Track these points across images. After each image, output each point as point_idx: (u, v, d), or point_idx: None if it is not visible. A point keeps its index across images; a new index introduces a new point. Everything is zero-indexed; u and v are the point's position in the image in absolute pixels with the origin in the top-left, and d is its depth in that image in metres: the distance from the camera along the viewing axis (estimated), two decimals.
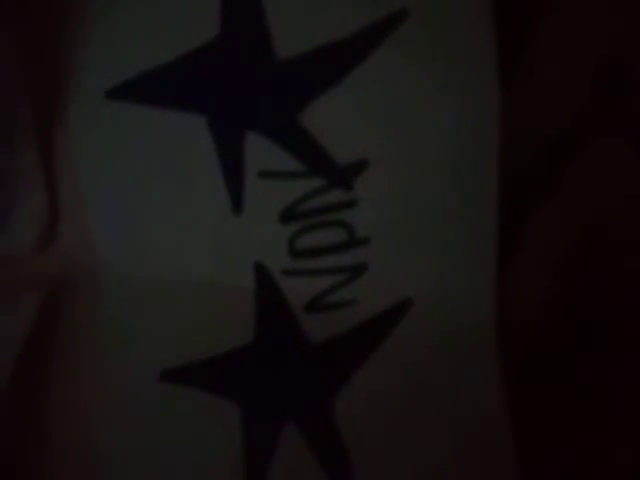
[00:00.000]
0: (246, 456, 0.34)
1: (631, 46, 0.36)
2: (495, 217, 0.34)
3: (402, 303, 0.34)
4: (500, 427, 0.34)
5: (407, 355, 0.34)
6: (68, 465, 0.34)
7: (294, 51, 0.34)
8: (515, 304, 0.35)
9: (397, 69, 0.34)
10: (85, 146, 0.34)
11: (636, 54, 0.36)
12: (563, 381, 0.35)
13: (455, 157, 0.34)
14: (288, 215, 0.34)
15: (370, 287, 0.34)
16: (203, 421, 0.34)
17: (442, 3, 0.34)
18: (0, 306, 0.34)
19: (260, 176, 0.34)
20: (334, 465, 0.34)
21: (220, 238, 0.34)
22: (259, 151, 0.34)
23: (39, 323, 0.34)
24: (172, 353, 0.34)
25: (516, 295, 0.35)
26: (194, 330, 0.34)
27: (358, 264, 0.34)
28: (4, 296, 0.34)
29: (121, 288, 0.34)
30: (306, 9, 0.34)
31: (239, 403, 0.34)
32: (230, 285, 0.34)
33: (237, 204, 0.34)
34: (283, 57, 0.34)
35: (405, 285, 0.34)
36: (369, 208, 0.34)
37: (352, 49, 0.34)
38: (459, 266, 0.35)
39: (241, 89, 0.34)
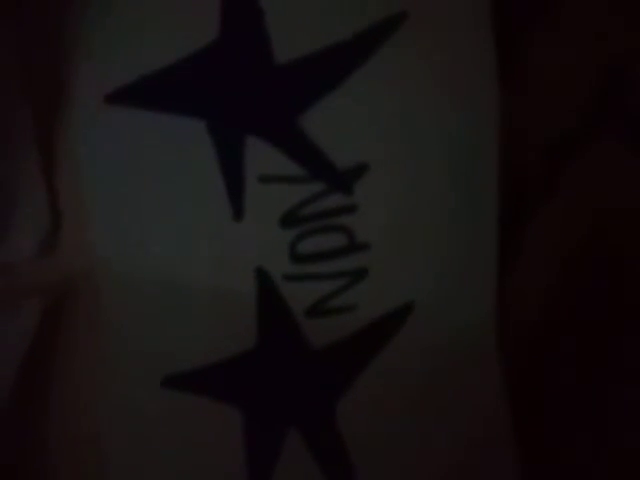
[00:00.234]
0: (249, 462, 0.34)
1: (631, 46, 0.36)
2: (495, 217, 0.34)
3: (403, 307, 0.34)
4: (500, 427, 0.34)
5: (408, 359, 0.34)
6: (68, 465, 0.34)
7: (293, 55, 0.34)
8: (515, 304, 0.35)
9: (397, 71, 0.34)
10: (86, 150, 0.34)
11: (636, 54, 0.36)
12: (563, 381, 0.35)
13: (455, 157, 0.34)
14: (289, 219, 0.34)
15: (371, 291, 0.34)
16: (205, 427, 0.34)
17: (441, 4, 0.34)
18: (1, 314, 0.34)
19: (260, 180, 0.34)
20: (336, 469, 0.34)
21: (220, 242, 0.34)
22: (259, 155, 0.34)
23: (40, 330, 0.34)
24: (173, 359, 0.34)
25: (516, 295, 0.35)
26: (195, 335, 0.34)
27: (359, 269, 0.34)
28: (5, 304, 0.34)
29: (122, 294, 0.34)
30: (305, 12, 0.34)
31: (241, 409, 0.34)
32: (231, 290, 0.34)
33: (237, 208, 0.34)
34: (282, 61, 0.34)
35: (406, 289, 0.34)
36: (369, 213, 0.34)
37: (351, 52, 0.34)
38: (459, 267, 0.35)
39: (241, 93, 0.34)
